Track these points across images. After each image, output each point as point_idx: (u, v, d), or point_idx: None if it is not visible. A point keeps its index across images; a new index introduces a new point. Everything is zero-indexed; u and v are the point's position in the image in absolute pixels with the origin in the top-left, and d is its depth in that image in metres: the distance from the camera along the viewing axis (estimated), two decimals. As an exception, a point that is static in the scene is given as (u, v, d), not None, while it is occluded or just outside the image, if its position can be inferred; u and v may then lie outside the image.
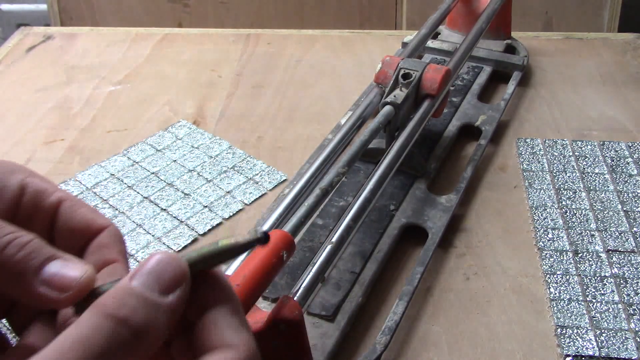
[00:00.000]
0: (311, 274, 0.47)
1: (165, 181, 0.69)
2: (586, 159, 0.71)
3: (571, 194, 0.66)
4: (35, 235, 0.28)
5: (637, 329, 0.52)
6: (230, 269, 0.45)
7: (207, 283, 0.28)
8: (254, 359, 0.27)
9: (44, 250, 0.28)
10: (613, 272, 0.57)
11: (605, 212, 0.64)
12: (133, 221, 0.64)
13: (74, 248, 0.31)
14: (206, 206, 0.66)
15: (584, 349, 0.51)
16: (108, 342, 0.24)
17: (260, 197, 0.67)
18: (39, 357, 0.23)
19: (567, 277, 0.57)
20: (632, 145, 0.73)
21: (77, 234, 0.31)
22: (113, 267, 0.31)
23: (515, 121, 0.79)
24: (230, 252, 0.28)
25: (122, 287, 0.26)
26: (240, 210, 0.65)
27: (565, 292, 0.55)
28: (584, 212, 0.64)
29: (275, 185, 0.68)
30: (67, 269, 0.28)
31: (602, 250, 0.59)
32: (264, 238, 0.29)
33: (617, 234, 0.61)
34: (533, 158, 0.71)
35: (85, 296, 0.28)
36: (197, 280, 0.28)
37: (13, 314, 0.32)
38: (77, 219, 0.31)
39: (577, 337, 0.51)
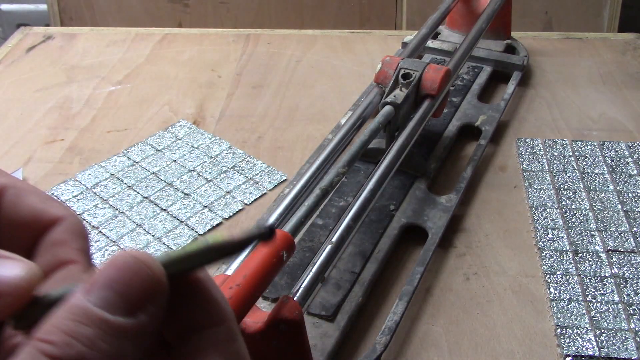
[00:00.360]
0: (311, 274, 0.47)
1: (165, 181, 0.69)
2: (586, 159, 0.71)
3: (571, 194, 0.66)
4: None
5: (637, 329, 0.52)
6: (230, 269, 0.45)
7: (195, 294, 0.23)
8: None
9: None
10: (613, 272, 0.57)
11: (605, 212, 0.64)
12: (133, 221, 0.64)
13: (20, 247, 0.25)
14: (206, 206, 0.66)
15: (584, 349, 0.51)
16: None
17: (260, 197, 0.67)
18: None
19: (567, 277, 0.57)
20: (632, 145, 0.73)
21: (23, 229, 0.24)
22: (68, 270, 0.24)
23: (515, 121, 0.79)
24: (223, 251, 0.23)
25: (74, 307, 0.20)
26: (240, 210, 0.65)
27: (565, 292, 0.55)
28: (584, 212, 0.64)
29: (275, 185, 0.68)
30: (3, 268, 0.22)
31: (602, 250, 0.59)
32: (268, 233, 0.24)
33: (617, 234, 0.61)
34: (533, 158, 0.71)
35: (27, 306, 0.22)
36: (181, 289, 0.22)
37: None
38: (23, 210, 0.24)
39: (577, 337, 0.51)
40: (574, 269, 0.57)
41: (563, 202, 0.65)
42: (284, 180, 0.69)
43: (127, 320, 0.20)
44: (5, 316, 0.22)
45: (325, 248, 0.49)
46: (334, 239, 0.49)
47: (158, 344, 0.23)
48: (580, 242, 0.60)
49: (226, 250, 0.23)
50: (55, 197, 0.25)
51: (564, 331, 0.52)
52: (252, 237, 0.23)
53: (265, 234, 0.23)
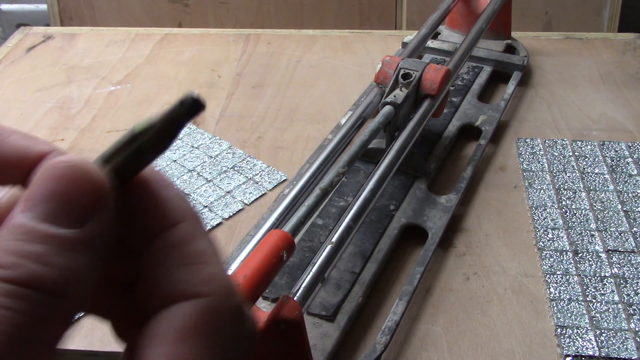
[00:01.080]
0: (311, 274, 0.47)
1: (165, 181, 0.69)
2: (586, 159, 0.71)
3: (571, 194, 0.66)
4: None
5: (637, 329, 0.52)
6: (230, 269, 0.45)
7: (145, 196, 0.21)
8: (232, 304, 0.20)
9: None
10: (613, 272, 0.57)
11: (605, 212, 0.64)
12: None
13: (10, 185, 0.23)
14: (206, 206, 0.66)
15: (584, 349, 0.51)
16: (7, 327, 0.17)
17: (260, 197, 0.67)
18: None
19: (567, 277, 0.57)
20: (632, 145, 0.73)
21: (10, 168, 0.22)
22: None
23: (515, 121, 0.79)
24: (154, 137, 0.20)
25: (16, 227, 0.18)
26: (240, 210, 0.65)
27: (565, 292, 0.55)
28: (584, 212, 0.64)
29: (275, 185, 0.68)
30: None
31: (602, 250, 0.59)
32: (191, 103, 0.20)
33: (617, 234, 0.61)
34: (533, 158, 0.71)
35: None
36: (129, 193, 0.20)
37: None
38: (6, 148, 0.23)
39: (577, 337, 0.51)
40: (574, 269, 0.57)
41: (563, 202, 0.65)
42: (284, 180, 0.69)
43: (76, 232, 0.18)
44: None
45: (325, 248, 0.49)
46: (334, 239, 0.49)
47: (123, 254, 0.21)
48: (580, 242, 0.60)
49: (155, 135, 0.20)
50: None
51: (564, 331, 0.52)
52: (175, 111, 0.20)
53: (188, 104, 0.20)
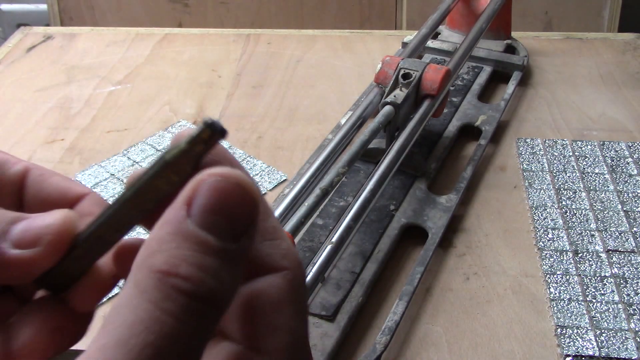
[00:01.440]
0: (311, 274, 0.47)
1: (165, 181, 0.69)
2: (586, 159, 0.71)
3: (571, 194, 0.66)
4: None
5: (637, 329, 0.52)
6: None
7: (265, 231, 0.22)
8: (303, 274, 0.22)
9: (6, 215, 0.23)
10: (613, 272, 0.57)
11: (605, 212, 0.64)
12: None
13: None
14: (206, 206, 0.66)
15: (584, 349, 0.51)
16: (181, 322, 0.18)
17: (260, 197, 0.67)
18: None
19: (567, 277, 0.57)
20: (632, 145, 0.73)
21: (50, 206, 0.25)
22: None
23: (515, 121, 0.79)
24: (183, 166, 0.21)
25: (188, 234, 0.19)
26: (240, 210, 0.65)
27: (565, 292, 0.55)
28: (584, 212, 0.64)
29: (275, 185, 0.68)
30: (36, 220, 0.23)
31: (602, 250, 0.59)
32: (210, 127, 0.20)
33: (617, 234, 0.61)
34: (533, 158, 0.71)
35: (62, 258, 0.22)
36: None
37: None
38: (49, 188, 0.26)
39: (577, 337, 0.51)
40: (574, 269, 0.57)
41: (563, 202, 0.65)
42: (284, 180, 0.69)
43: (235, 246, 0.19)
44: (50, 259, 0.22)
45: (325, 248, 0.49)
46: (334, 239, 0.49)
47: None
48: (580, 242, 0.60)
49: (179, 155, 0.21)
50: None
51: (564, 331, 0.52)
52: (196, 139, 0.20)
53: (210, 127, 0.20)
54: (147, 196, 0.21)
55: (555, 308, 0.54)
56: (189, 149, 0.20)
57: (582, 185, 0.67)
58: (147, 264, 0.19)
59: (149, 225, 0.22)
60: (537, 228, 0.62)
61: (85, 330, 0.25)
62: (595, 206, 0.65)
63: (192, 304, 0.18)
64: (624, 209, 0.64)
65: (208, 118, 0.20)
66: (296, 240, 0.46)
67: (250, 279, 0.21)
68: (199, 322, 0.18)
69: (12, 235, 0.22)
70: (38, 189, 0.26)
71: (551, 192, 0.67)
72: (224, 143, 0.74)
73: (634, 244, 0.60)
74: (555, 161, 0.71)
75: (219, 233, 0.19)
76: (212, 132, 0.21)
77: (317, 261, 0.48)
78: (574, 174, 0.69)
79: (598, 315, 0.53)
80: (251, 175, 0.70)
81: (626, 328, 0.52)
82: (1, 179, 0.26)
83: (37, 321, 0.23)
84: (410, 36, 0.89)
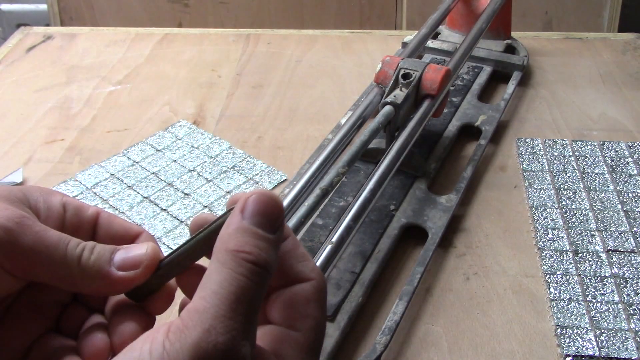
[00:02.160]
0: (311, 274, 0.47)
1: (165, 181, 0.69)
2: (586, 159, 0.71)
3: (571, 194, 0.66)
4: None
5: (637, 329, 0.52)
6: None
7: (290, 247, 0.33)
8: (325, 284, 0.32)
9: (107, 247, 0.33)
10: (613, 272, 0.57)
11: (605, 212, 0.64)
12: (133, 221, 0.64)
13: None
14: (206, 206, 0.66)
15: (584, 349, 0.51)
16: (249, 278, 0.28)
17: (260, 197, 0.67)
18: (201, 308, 0.27)
19: (567, 277, 0.57)
20: (632, 145, 0.73)
21: (117, 241, 0.35)
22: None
23: (515, 121, 0.79)
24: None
25: (247, 230, 0.29)
26: (240, 210, 0.65)
27: (565, 292, 0.55)
28: (584, 212, 0.64)
29: (275, 185, 0.68)
30: (132, 250, 0.32)
31: (602, 250, 0.59)
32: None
33: (617, 234, 0.61)
34: (533, 158, 0.71)
35: (150, 276, 0.32)
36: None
37: (62, 321, 0.35)
38: (115, 227, 0.36)
39: (577, 337, 0.51)
40: (574, 269, 0.57)
41: (563, 202, 0.65)
42: (284, 180, 0.69)
43: (274, 236, 0.30)
44: (146, 276, 0.32)
45: (325, 248, 0.49)
46: (334, 239, 0.49)
47: None
48: (580, 242, 0.60)
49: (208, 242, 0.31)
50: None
51: (564, 331, 0.52)
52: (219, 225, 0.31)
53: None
54: (211, 238, 0.31)
55: (555, 308, 0.54)
56: None
57: (582, 185, 0.67)
58: (224, 247, 0.29)
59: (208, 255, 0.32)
60: (537, 228, 0.62)
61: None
62: (595, 206, 0.65)
63: (254, 268, 0.28)
64: (624, 209, 0.64)
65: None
66: (296, 240, 0.46)
67: (290, 286, 0.31)
68: (259, 279, 0.28)
69: (116, 263, 0.32)
70: (107, 228, 0.35)
71: (551, 192, 0.67)
72: (224, 143, 0.74)
73: (634, 244, 0.60)
74: (555, 161, 0.71)
75: (263, 227, 0.30)
76: None
77: (317, 261, 0.48)
78: (574, 174, 0.69)
79: (598, 315, 0.53)
80: (251, 176, 0.70)
81: (626, 328, 0.52)
82: (81, 221, 0.35)
83: (133, 321, 0.33)
84: (410, 36, 0.89)
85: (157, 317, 0.34)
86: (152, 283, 0.32)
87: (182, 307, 0.34)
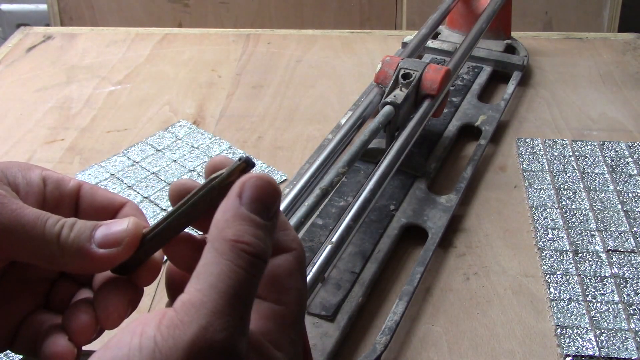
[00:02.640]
0: (311, 274, 0.47)
1: (165, 181, 0.69)
2: (586, 159, 0.71)
3: (571, 194, 0.66)
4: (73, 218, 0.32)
5: (637, 329, 0.52)
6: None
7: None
8: (304, 253, 0.32)
9: (88, 223, 0.31)
10: (613, 272, 0.57)
11: (605, 212, 0.64)
12: (133, 221, 0.64)
13: None
14: (206, 206, 0.66)
15: (584, 349, 0.51)
16: (247, 271, 0.27)
17: (260, 197, 0.67)
18: (196, 302, 0.26)
19: (567, 277, 0.57)
20: (632, 145, 0.73)
21: (101, 212, 0.34)
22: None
23: (515, 121, 0.79)
24: (223, 180, 0.30)
25: (245, 217, 0.28)
26: (240, 210, 0.65)
27: (565, 292, 0.55)
28: (584, 212, 0.64)
29: (275, 185, 0.68)
30: (113, 226, 0.31)
31: (602, 250, 0.59)
32: (246, 161, 0.30)
33: (617, 234, 0.61)
34: (533, 158, 0.71)
35: (135, 251, 0.31)
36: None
37: (52, 296, 0.35)
38: (98, 199, 0.35)
39: (577, 337, 0.51)
40: (574, 269, 0.57)
41: (563, 202, 0.65)
42: (284, 180, 0.69)
43: (270, 223, 0.29)
44: (130, 252, 0.31)
45: (325, 248, 0.49)
46: (334, 239, 0.49)
47: None
48: (580, 242, 0.60)
49: (224, 179, 0.30)
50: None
51: (564, 331, 0.52)
52: (235, 170, 0.30)
53: (243, 165, 0.30)
54: (196, 209, 0.30)
55: (555, 308, 0.54)
56: (229, 177, 0.30)
57: (582, 185, 0.67)
58: (221, 236, 0.27)
59: (196, 226, 0.32)
60: (537, 228, 0.62)
61: (139, 300, 0.34)
62: (595, 206, 0.65)
63: (253, 260, 0.27)
64: (624, 209, 0.64)
65: (243, 155, 0.31)
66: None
67: (272, 256, 0.30)
68: (257, 271, 0.27)
69: (96, 239, 0.31)
70: (90, 201, 0.35)
71: (551, 192, 0.67)
72: (224, 143, 0.74)
73: (634, 244, 0.60)
74: (555, 161, 0.71)
75: (261, 214, 0.28)
76: (246, 165, 0.30)
77: (317, 261, 0.48)
78: (574, 174, 0.69)
79: (598, 315, 0.53)
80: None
81: (626, 328, 0.52)
82: (62, 194, 0.34)
83: (119, 295, 0.32)
84: (410, 36, 0.89)
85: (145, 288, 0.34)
86: (137, 257, 0.32)
87: (169, 277, 0.33)
